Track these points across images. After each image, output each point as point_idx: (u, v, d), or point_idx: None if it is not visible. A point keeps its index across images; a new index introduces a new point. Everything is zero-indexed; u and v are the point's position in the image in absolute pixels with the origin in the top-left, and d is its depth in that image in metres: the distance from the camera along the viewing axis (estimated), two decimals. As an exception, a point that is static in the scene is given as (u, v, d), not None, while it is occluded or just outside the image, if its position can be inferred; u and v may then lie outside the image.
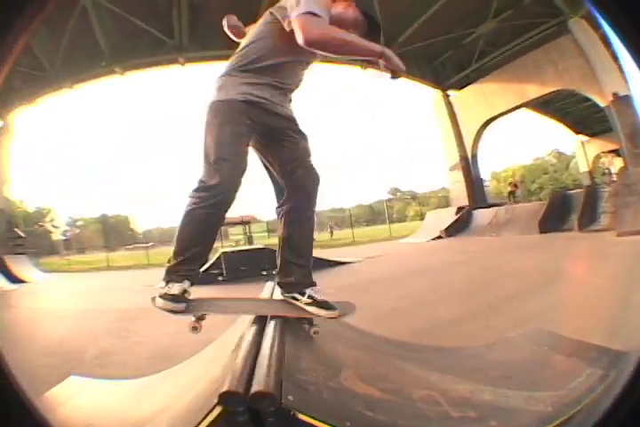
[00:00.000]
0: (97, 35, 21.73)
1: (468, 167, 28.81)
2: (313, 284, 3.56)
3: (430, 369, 3.49)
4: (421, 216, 47.59)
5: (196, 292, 8.71)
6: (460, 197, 28.65)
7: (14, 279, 18.50)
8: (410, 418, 2.34)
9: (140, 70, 25.37)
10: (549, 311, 5.56)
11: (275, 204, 3.93)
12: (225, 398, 1.93)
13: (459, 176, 28.88)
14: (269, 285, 5.77)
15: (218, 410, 1.94)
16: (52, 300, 15.43)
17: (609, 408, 1.20)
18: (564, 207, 19.12)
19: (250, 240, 37.15)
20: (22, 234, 24.46)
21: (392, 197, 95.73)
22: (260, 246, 19.11)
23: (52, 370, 6.41)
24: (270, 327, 3.24)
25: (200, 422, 1.95)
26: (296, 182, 3.46)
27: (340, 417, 2.05)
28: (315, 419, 1.92)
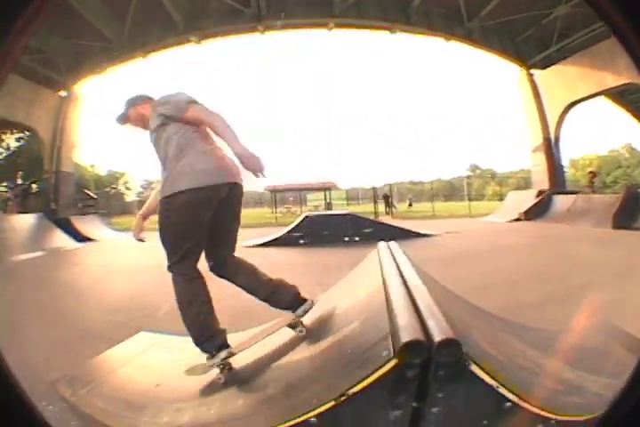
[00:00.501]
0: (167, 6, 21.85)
1: (551, 150, 27.85)
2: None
3: (525, 344, 3.67)
4: (500, 196, 46.59)
5: (279, 253, 12.03)
6: (541, 180, 27.79)
7: (82, 239, 18.77)
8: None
9: (217, 38, 25.48)
10: (619, 305, 5.59)
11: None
12: (407, 349, 1.91)
13: (541, 158, 27.98)
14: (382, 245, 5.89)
15: (392, 363, 1.95)
16: (123, 257, 15.52)
17: (609, 407, 1.22)
18: (637, 204, 18.24)
19: (329, 206, 37.00)
20: (93, 195, 25.15)
21: (471, 174, 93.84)
22: (345, 212, 19.02)
23: (119, 326, 6.82)
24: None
25: (367, 377, 1.98)
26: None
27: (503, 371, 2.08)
28: (486, 373, 1.94)
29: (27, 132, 25.75)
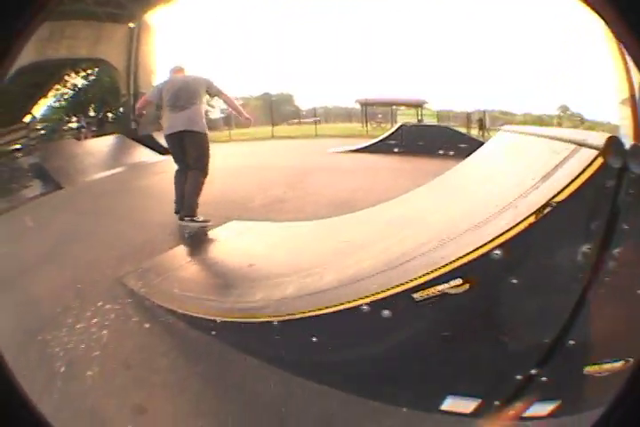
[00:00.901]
0: None
1: (636, 106, 24.42)
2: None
3: None
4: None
5: (371, 159, 11.73)
6: (628, 134, 24.74)
7: (166, 152, 18.42)
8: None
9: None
10: None
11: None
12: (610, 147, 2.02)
13: (627, 112, 24.69)
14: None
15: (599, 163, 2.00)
16: (214, 161, 15.14)
17: (608, 407, 1.15)
18: None
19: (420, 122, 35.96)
20: None
21: (562, 113, 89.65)
22: (442, 124, 17.75)
23: (209, 217, 6.39)
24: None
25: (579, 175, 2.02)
26: None
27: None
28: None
29: (95, 69, 25.93)
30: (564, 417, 2.36)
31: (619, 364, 2.22)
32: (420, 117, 36.45)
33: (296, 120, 29.28)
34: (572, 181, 2.03)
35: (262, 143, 19.79)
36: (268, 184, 8.53)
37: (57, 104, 27.43)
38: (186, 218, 5.84)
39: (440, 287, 2.22)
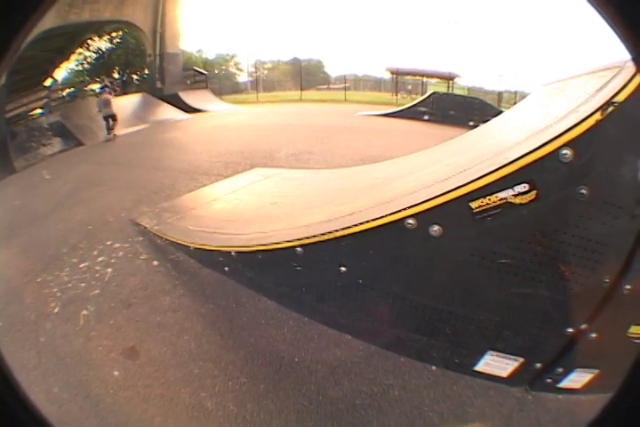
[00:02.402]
0: None
1: None
2: None
3: None
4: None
5: (400, 123, 11.69)
6: None
7: (192, 110, 18.74)
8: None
9: None
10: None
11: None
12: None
13: None
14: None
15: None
16: (235, 120, 15.48)
17: (606, 406, 1.08)
18: None
19: (450, 95, 35.94)
20: (203, 71, 25.32)
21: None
22: (475, 96, 17.91)
23: (231, 165, 6.42)
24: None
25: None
26: None
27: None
28: None
29: (119, 32, 26.12)
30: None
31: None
32: (450, 91, 36.13)
33: (325, 86, 29.25)
34: (629, 81, 1.92)
35: (291, 105, 19.81)
36: (297, 139, 8.38)
37: (80, 67, 27.83)
38: None
39: (502, 194, 1.94)
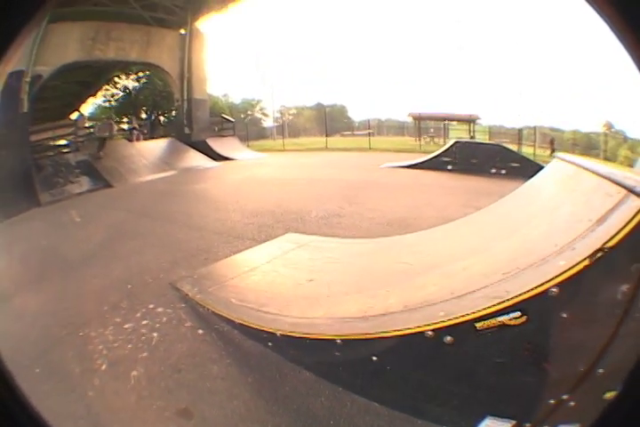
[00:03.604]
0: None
1: None
2: None
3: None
4: (629, 162, 43.44)
5: (425, 176, 11.57)
6: None
7: (219, 158, 19.09)
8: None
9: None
10: None
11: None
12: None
13: None
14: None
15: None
16: (264, 171, 15.30)
17: (608, 407, 1.21)
18: None
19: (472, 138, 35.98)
20: (231, 119, 25.61)
21: (607, 132, 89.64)
22: (495, 143, 18.13)
23: (264, 229, 6.67)
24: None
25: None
26: None
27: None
28: None
29: (145, 72, 26.80)
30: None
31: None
32: (471, 133, 36.35)
33: (349, 132, 29.73)
34: (622, 228, 2.29)
35: (316, 155, 20.08)
36: (325, 198, 8.69)
37: (107, 104, 28.48)
38: None
39: (500, 318, 2.46)
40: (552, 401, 2.47)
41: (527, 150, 22.26)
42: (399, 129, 34.44)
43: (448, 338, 2.57)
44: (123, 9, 19.23)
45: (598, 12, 1.25)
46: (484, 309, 2.49)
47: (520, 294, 2.43)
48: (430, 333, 2.62)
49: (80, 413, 3.02)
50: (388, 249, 4.56)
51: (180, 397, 3.16)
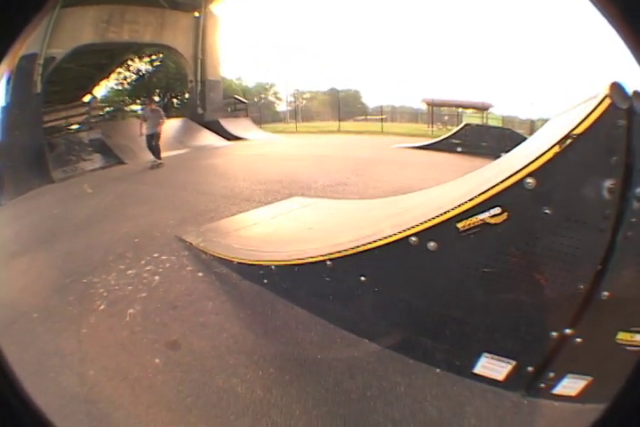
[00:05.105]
0: None
1: None
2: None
3: None
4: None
5: (433, 156, 11.93)
6: None
7: (232, 138, 19.22)
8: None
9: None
10: None
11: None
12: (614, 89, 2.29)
13: None
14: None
15: (607, 102, 2.24)
16: (275, 149, 15.53)
17: (607, 410, 1.18)
18: None
19: (485, 125, 35.83)
20: (244, 100, 25.66)
21: None
22: (506, 127, 17.54)
23: (272, 193, 6.93)
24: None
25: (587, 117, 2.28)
26: None
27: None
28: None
29: (159, 55, 26.83)
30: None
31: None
32: (484, 121, 36.17)
33: (362, 117, 29.65)
34: (587, 116, 2.27)
35: (329, 137, 20.16)
36: (333, 170, 8.84)
37: (120, 87, 28.54)
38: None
39: (481, 216, 2.44)
40: (554, 334, 2.39)
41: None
42: (413, 116, 34.35)
43: (432, 244, 2.59)
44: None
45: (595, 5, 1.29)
46: (462, 204, 2.49)
47: (495, 185, 2.42)
48: (414, 239, 2.67)
49: (70, 349, 3.21)
50: (387, 204, 4.70)
51: (172, 330, 3.35)
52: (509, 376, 2.57)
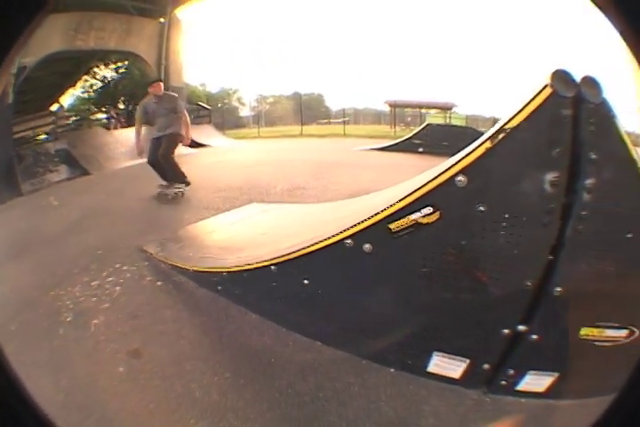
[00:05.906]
0: None
1: None
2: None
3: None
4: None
5: (395, 157, 12.33)
6: None
7: (195, 145, 18.73)
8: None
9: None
10: None
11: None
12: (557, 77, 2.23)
13: None
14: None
15: (547, 91, 2.21)
16: (237, 156, 15.80)
17: (609, 408, 1.14)
18: None
19: (448, 126, 36.10)
20: (207, 106, 25.59)
21: None
22: (467, 126, 18.83)
23: (230, 200, 7.06)
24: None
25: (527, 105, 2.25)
26: None
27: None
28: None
29: (124, 62, 26.61)
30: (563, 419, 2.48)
31: (621, 333, 2.35)
32: (448, 121, 36.49)
33: (325, 120, 29.71)
34: (522, 108, 2.24)
35: (291, 141, 20.29)
36: (293, 175, 9.02)
37: (85, 95, 28.16)
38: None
39: (413, 216, 2.48)
40: (506, 331, 2.37)
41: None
42: (376, 117, 34.54)
43: (367, 246, 2.66)
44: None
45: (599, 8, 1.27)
46: (393, 205, 2.53)
47: (425, 185, 2.42)
48: (349, 241, 2.74)
49: (44, 360, 3.27)
50: (339, 207, 4.84)
51: (133, 339, 3.47)
52: (466, 374, 2.60)
